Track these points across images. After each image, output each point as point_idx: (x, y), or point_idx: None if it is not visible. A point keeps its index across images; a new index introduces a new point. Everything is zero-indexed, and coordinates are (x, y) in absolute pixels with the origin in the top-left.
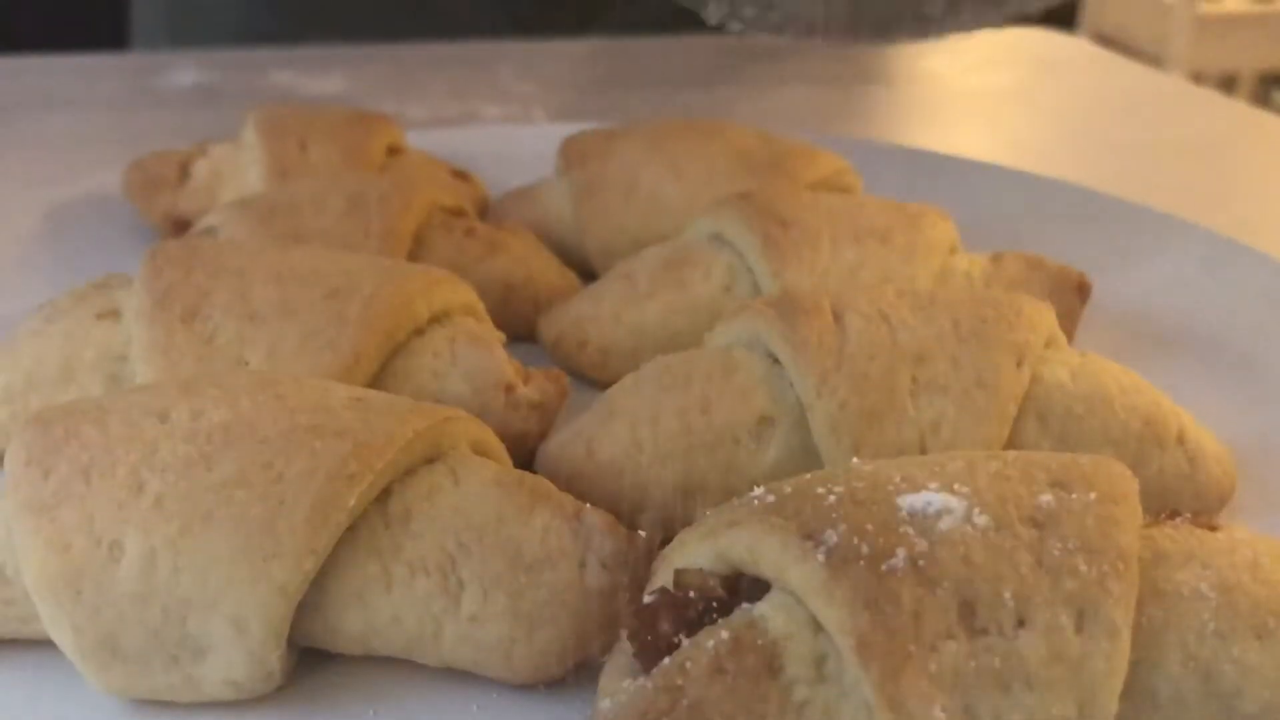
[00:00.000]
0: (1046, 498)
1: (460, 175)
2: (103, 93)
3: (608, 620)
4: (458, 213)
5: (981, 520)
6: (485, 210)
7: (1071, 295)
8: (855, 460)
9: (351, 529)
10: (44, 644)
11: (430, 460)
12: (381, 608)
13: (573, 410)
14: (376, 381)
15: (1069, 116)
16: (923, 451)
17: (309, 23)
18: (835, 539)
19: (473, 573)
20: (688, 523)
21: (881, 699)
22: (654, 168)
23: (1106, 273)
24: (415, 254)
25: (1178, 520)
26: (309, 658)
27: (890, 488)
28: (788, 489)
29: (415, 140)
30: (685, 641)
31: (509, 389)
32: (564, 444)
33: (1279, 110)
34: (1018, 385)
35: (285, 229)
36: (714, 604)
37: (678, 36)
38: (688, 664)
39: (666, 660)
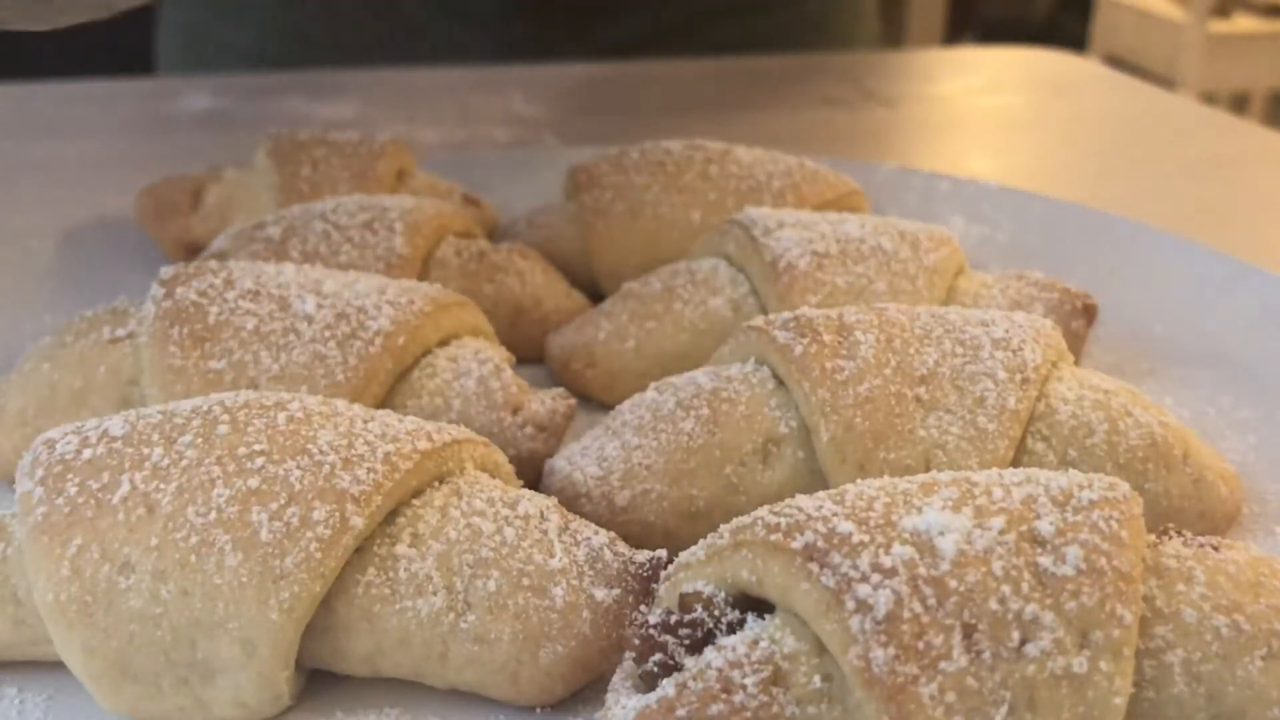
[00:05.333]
0: (1050, 518)
1: (470, 199)
2: (116, 118)
3: (613, 641)
4: (467, 236)
5: (984, 540)
6: (494, 233)
7: (1078, 316)
8: (859, 480)
9: (359, 551)
10: (55, 665)
11: (438, 481)
12: (388, 629)
13: (580, 430)
14: (385, 402)
15: (1079, 138)
16: (928, 471)
17: (320, 48)
18: (839, 561)
19: (479, 593)
20: (692, 543)
21: None
22: (661, 190)
23: (1114, 293)
24: (425, 276)
25: (1182, 540)
26: (317, 679)
27: (893, 508)
28: (791, 510)
29: (426, 164)
30: (689, 662)
31: (516, 410)
32: (570, 464)
33: None
34: (1023, 406)
35: (296, 253)
36: (718, 625)
37: (685, 60)
38: (691, 684)
39: (670, 680)
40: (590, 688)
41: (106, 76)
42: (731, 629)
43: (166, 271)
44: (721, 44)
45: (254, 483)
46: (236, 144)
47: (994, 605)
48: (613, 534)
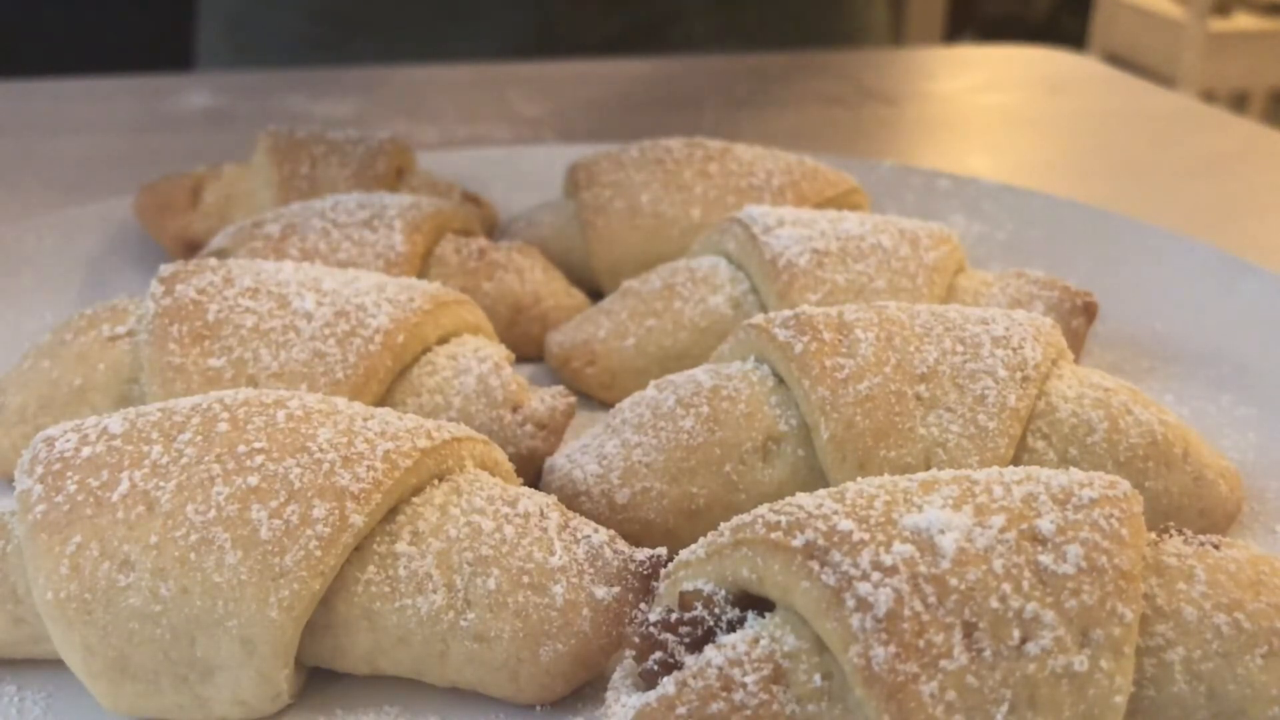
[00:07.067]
0: (1050, 516)
1: (470, 197)
2: (115, 116)
3: (613, 639)
4: (467, 233)
5: (984, 539)
6: (494, 231)
7: (1078, 314)
8: (859, 479)
9: (359, 549)
10: (54, 663)
11: (438, 479)
12: (388, 627)
13: (580, 428)
14: (385, 400)
15: (1078, 136)
16: (928, 470)
17: (366, 31)
18: (839, 559)
19: (479, 591)
20: (692, 541)
21: (885, 719)
22: (661, 188)
23: (1114, 291)
24: (425, 274)
25: (1182, 538)
26: (317, 677)
27: (894, 506)
28: (792, 508)
29: (426, 162)
30: (689, 660)
31: (516, 408)
32: (570, 462)
33: None
34: (1023, 404)
35: (296, 250)
36: (718, 623)
37: (685, 58)
38: (692, 681)
39: (670, 678)
40: (590, 686)
41: (145, 72)
42: (732, 627)
43: (166, 269)
44: (747, 21)
45: (253, 480)
46: (236, 141)
47: (994, 603)
48: (612, 532)
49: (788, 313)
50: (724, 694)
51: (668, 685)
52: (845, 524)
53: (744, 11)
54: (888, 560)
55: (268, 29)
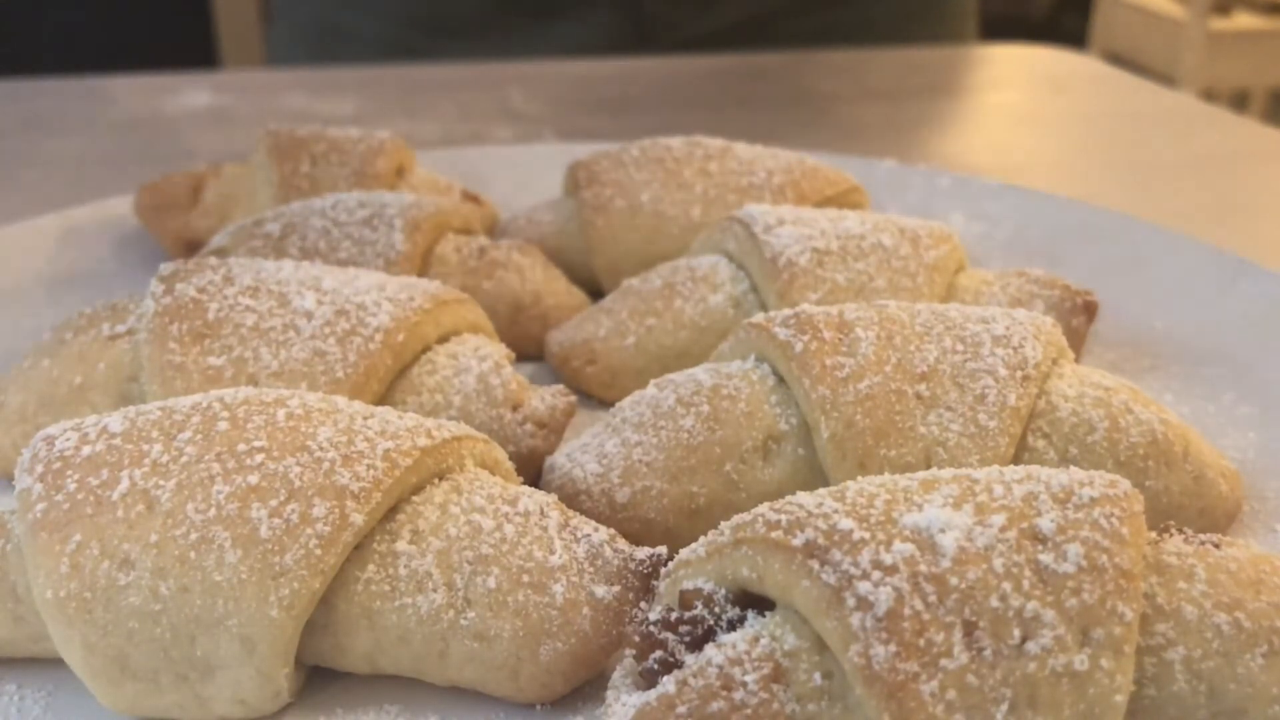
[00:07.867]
0: (1051, 515)
1: (470, 196)
2: (116, 115)
3: (613, 638)
4: (467, 232)
5: (985, 538)
6: (494, 230)
7: (1078, 313)
8: (859, 478)
9: (359, 548)
10: (55, 662)
11: (438, 478)
12: (388, 626)
13: (580, 427)
14: (385, 399)
15: (1079, 135)
16: (928, 469)
17: (456, 35)
18: (839, 558)
19: (479, 590)
20: (692, 540)
21: (885, 718)
22: (661, 187)
23: (1115, 290)
24: (425, 273)
25: (1183, 537)
26: (317, 676)
27: (894, 505)
28: (792, 508)
29: (426, 161)
30: (689, 659)
31: (516, 407)
32: (571, 461)
33: None
34: (1024, 403)
35: (296, 249)
36: (718, 622)
37: (684, 58)
38: (692, 681)
39: (670, 677)
40: (590, 685)
41: (168, 70)
42: (732, 626)
43: (166, 268)
44: (827, 30)
45: (254, 479)
46: (236, 140)
47: (995, 602)
48: (613, 531)
49: (788, 312)
50: (724, 693)
51: (668, 684)
52: (845, 523)
53: (846, 10)
54: (888, 559)
55: (353, 35)
